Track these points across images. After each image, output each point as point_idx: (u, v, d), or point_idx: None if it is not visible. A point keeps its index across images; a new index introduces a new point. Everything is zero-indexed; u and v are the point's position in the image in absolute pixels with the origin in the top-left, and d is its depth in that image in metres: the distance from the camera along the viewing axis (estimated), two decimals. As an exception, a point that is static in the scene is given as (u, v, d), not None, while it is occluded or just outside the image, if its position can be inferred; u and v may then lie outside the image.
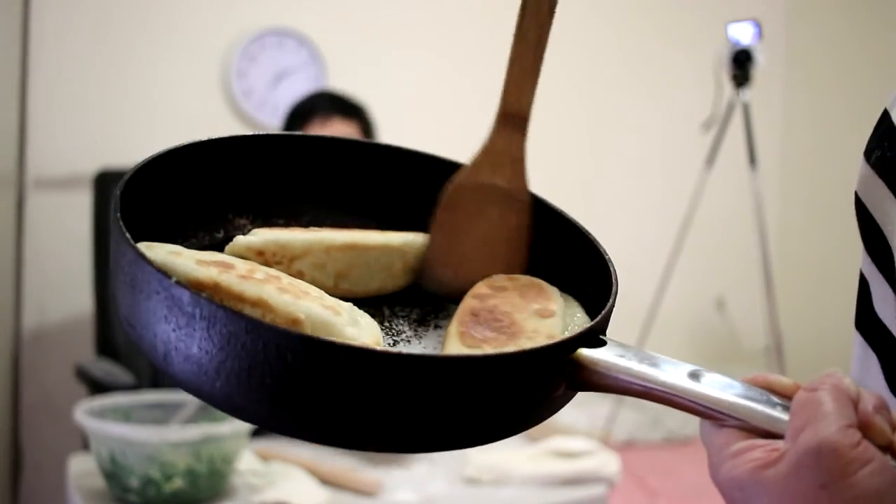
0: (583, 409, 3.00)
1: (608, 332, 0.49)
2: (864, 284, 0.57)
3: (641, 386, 0.43)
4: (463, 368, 0.44)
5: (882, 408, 0.38)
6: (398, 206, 0.64)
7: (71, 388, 2.14)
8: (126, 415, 1.48)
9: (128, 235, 0.48)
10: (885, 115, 0.54)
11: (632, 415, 3.18)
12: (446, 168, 0.63)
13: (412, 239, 0.60)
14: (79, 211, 2.39)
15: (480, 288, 0.55)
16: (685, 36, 3.43)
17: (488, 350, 0.50)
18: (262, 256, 0.55)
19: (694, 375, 0.43)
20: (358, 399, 0.42)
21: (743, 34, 2.76)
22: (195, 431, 1.36)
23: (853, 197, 0.57)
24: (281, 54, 2.81)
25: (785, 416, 0.39)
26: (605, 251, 0.56)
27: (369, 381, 0.42)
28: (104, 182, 2.25)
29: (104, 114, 2.59)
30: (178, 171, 0.59)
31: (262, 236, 0.56)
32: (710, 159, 3.00)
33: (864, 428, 0.37)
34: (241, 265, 0.52)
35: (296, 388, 0.42)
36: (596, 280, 0.54)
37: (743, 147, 3.00)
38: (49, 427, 2.45)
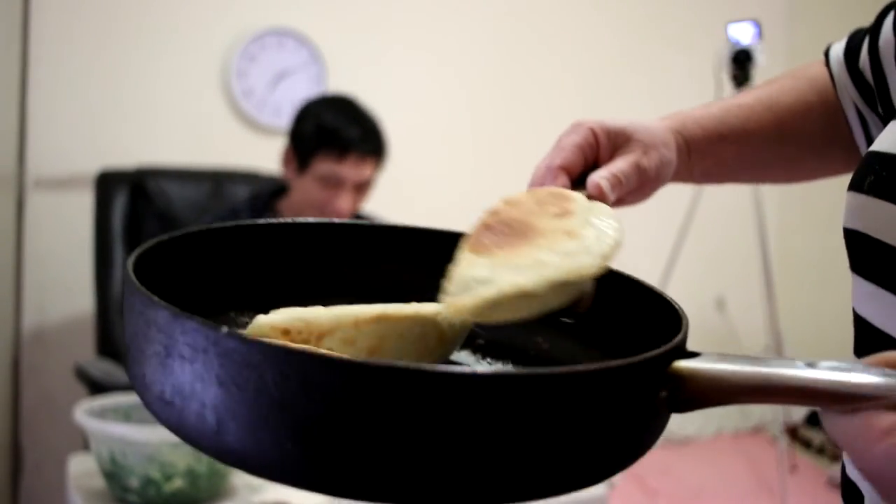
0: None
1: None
2: (862, 324, 0.56)
3: (760, 384, 0.39)
4: (535, 386, 0.36)
5: None
6: (408, 284, 0.58)
7: (71, 388, 2.14)
8: (126, 415, 1.48)
9: (157, 299, 0.40)
10: (872, 153, 0.55)
11: (632, 415, 3.19)
12: (451, 239, 0.58)
13: (444, 307, 0.55)
14: (79, 211, 2.39)
15: (496, 205, 0.52)
16: (685, 36, 3.43)
17: (500, 255, 0.45)
18: (288, 336, 0.50)
19: (811, 365, 0.39)
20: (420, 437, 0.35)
21: (743, 34, 2.76)
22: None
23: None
24: (281, 54, 2.81)
25: None
26: (655, 288, 0.53)
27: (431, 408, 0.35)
28: (106, 182, 2.26)
29: (104, 114, 2.59)
30: (169, 265, 0.53)
31: (284, 313, 0.51)
32: (710, 159, 2.99)
33: None
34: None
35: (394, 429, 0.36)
36: (659, 318, 0.50)
37: (743, 147, 3.00)
38: (49, 427, 2.46)
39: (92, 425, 1.37)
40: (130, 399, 1.55)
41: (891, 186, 0.53)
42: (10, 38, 2.37)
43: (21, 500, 2.50)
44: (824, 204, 3.50)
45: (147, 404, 0.41)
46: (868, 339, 0.57)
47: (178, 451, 1.34)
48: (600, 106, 3.40)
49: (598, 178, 0.66)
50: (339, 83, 2.76)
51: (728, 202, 3.25)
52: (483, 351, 0.58)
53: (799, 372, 0.39)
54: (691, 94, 3.25)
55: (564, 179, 0.67)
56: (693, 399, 0.42)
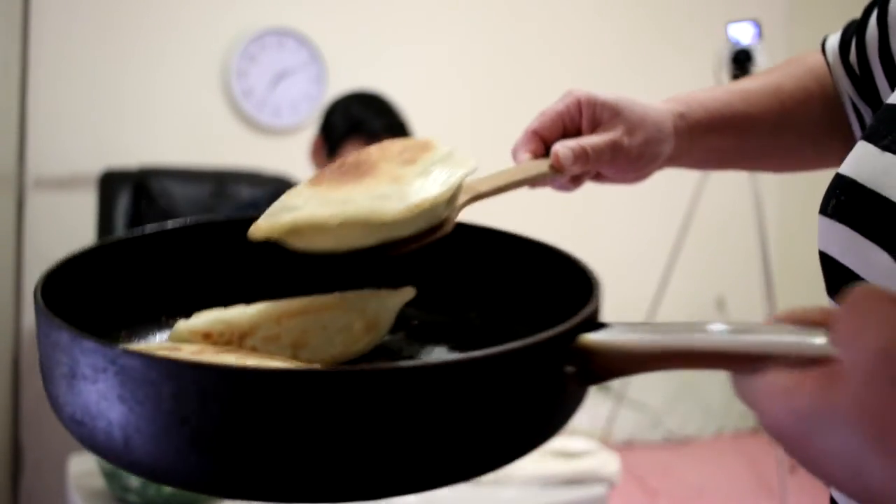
0: (583, 409, 2.99)
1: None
2: None
3: (665, 351, 0.39)
4: (435, 375, 0.37)
5: None
6: (332, 276, 0.56)
7: (71, 387, 2.14)
8: (126, 415, 1.49)
9: (58, 320, 0.40)
10: (836, 175, 0.56)
11: (632, 415, 3.18)
12: None
13: (368, 294, 0.54)
14: (79, 211, 2.39)
15: (368, 148, 0.54)
16: (685, 36, 3.43)
17: (323, 189, 0.46)
18: (210, 339, 0.49)
19: (723, 330, 0.39)
20: (331, 433, 0.36)
21: (743, 34, 2.76)
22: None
23: None
24: (281, 54, 2.81)
25: (826, 340, 0.36)
26: (569, 254, 0.54)
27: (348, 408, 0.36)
28: (109, 182, 2.26)
29: (104, 114, 2.59)
30: (101, 270, 0.53)
31: (204, 317, 0.50)
32: (710, 159, 3.00)
33: None
34: (189, 348, 0.47)
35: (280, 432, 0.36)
36: (579, 285, 0.51)
37: (743, 147, 3.00)
38: (49, 427, 2.45)
39: (92, 425, 1.37)
40: (131, 399, 1.55)
41: (849, 211, 0.53)
42: (10, 38, 2.37)
43: (21, 500, 2.50)
44: (824, 204, 3.50)
45: (63, 423, 0.42)
46: None
47: (178, 451, 1.34)
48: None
49: (560, 146, 0.67)
50: (339, 83, 2.75)
51: (728, 202, 3.25)
52: (416, 333, 0.57)
53: (701, 336, 0.39)
54: (691, 94, 3.25)
55: (537, 143, 0.70)
56: (603, 371, 0.42)
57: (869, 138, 0.56)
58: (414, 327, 0.58)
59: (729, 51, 2.77)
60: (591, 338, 0.42)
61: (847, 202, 0.54)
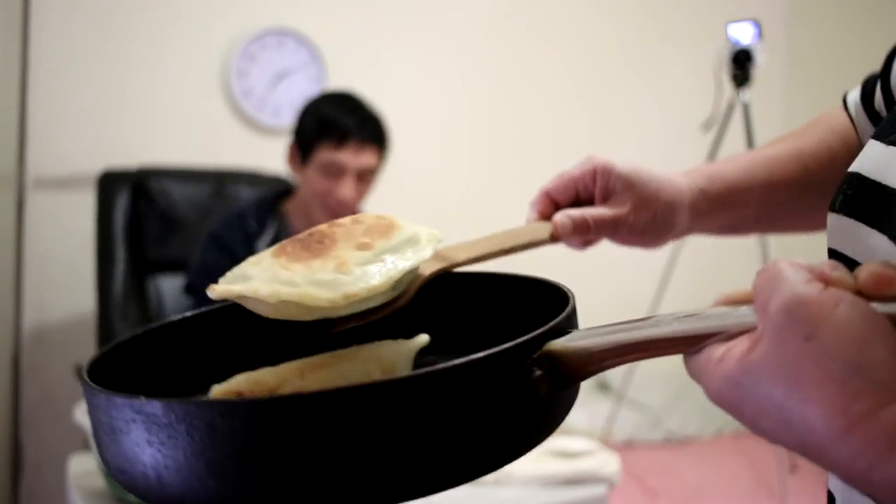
0: (583, 409, 3.00)
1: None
2: None
3: (618, 347, 0.44)
4: (403, 389, 0.41)
5: (837, 266, 0.38)
6: (346, 332, 0.61)
7: (71, 387, 2.14)
8: (126, 415, 1.48)
9: (97, 387, 0.47)
10: (846, 173, 0.57)
11: (632, 415, 3.18)
12: None
13: (384, 344, 0.60)
14: (79, 211, 2.39)
15: (340, 220, 0.57)
16: (685, 36, 3.43)
17: (279, 263, 0.51)
18: (242, 396, 0.55)
19: (660, 319, 0.43)
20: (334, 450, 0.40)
21: (743, 34, 2.76)
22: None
23: None
24: (281, 54, 2.81)
25: (750, 312, 0.40)
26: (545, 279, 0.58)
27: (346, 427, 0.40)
28: (108, 182, 2.26)
29: (104, 114, 2.59)
30: (142, 355, 0.59)
31: (236, 379, 0.57)
32: (711, 159, 3.00)
33: (825, 282, 0.37)
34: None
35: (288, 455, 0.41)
36: (557, 302, 0.55)
37: (743, 147, 3.00)
38: (49, 426, 2.46)
39: (92, 425, 1.37)
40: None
41: (855, 204, 0.54)
42: (10, 38, 2.37)
43: (21, 500, 2.51)
44: (824, 204, 3.51)
45: (116, 480, 0.47)
46: None
47: (178, 451, 1.34)
48: (600, 106, 3.40)
49: (561, 216, 0.70)
50: (339, 83, 2.76)
51: (728, 202, 3.25)
52: None
53: (651, 328, 0.43)
54: (691, 94, 3.25)
55: (546, 204, 0.73)
56: (571, 373, 0.45)
57: (877, 136, 0.56)
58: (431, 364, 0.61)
59: (729, 51, 2.77)
60: (557, 343, 0.46)
61: (852, 195, 0.55)
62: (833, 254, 0.56)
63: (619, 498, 2.74)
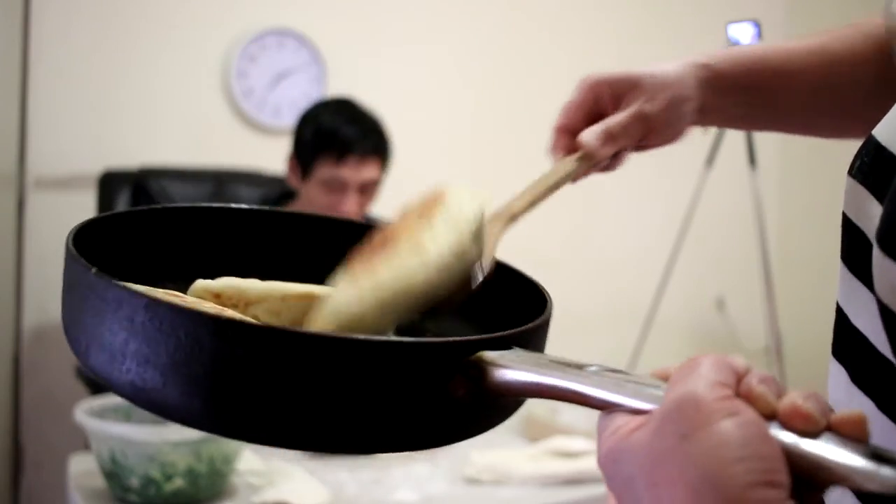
0: (583, 408, 2.99)
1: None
2: (839, 313, 0.56)
3: (537, 389, 0.44)
4: (331, 348, 0.42)
5: (769, 381, 0.37)
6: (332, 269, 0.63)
7: (71, 387, 2.14)
8: (126, 415, 1.49)
9: (82, 260, 0.51)
10: (869, 136, 0.55)
11: (632, 415, 3.19)
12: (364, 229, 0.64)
13: None
14: (80, 211, 2.39)
15: (392, 219, 0.58)
16: (685, 36, 3.43)
17: (365, 278, 0.51)
18: (219, 299, 0.56)
19: (585, 372, 0.43)
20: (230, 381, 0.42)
21: (743, 34, 2.76)
22: (196, 431, 1.36)
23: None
24: (281, 54, 2.81)
25: (660, 393, 0.39)
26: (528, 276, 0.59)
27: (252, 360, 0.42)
28: (108, 182, 2.26)
29: (104, 114, 2.59)
30: (120, 235, 0.61)
31: (221, 280, 0.57)
32: (710, 159, 3.00)
33: (747, 397, 0.36)
34: (191, 300, 0.53)
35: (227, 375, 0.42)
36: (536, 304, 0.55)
37: (743, 147, 3.00)
38: (49, 426, 2.46)
39: (92, 425, 1.37)
40: (131, 399, 1.55)
41: (869, 172, 0.53)
42: (10, 38, 2.37)
43: (21, 500, 2.51)
44: (824, 204, 3.51)
45: (85, 365, 0.51)
46: (844, 336, 0.56)
47: (178, 451, 1.34)
48: (600, 106, 3.39)
49: (585, 135, 0.69)
50: (339, 83, 2.76)
51: (728, 202, 3.25)
52: (412, 331, 0.61)
53: (570, 379, 0.43)
54: (691, 95, 3.25)
55: (567, 139, 0.71)
56: (490, 390, 0.45)
57: None
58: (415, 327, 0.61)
59: (729, 51, 2.77)
60: (487, 356, 0.45)
61: (868, 164, 0.53)
62: (846, 220, 0.55)
63: (618, 498, 2.74)
